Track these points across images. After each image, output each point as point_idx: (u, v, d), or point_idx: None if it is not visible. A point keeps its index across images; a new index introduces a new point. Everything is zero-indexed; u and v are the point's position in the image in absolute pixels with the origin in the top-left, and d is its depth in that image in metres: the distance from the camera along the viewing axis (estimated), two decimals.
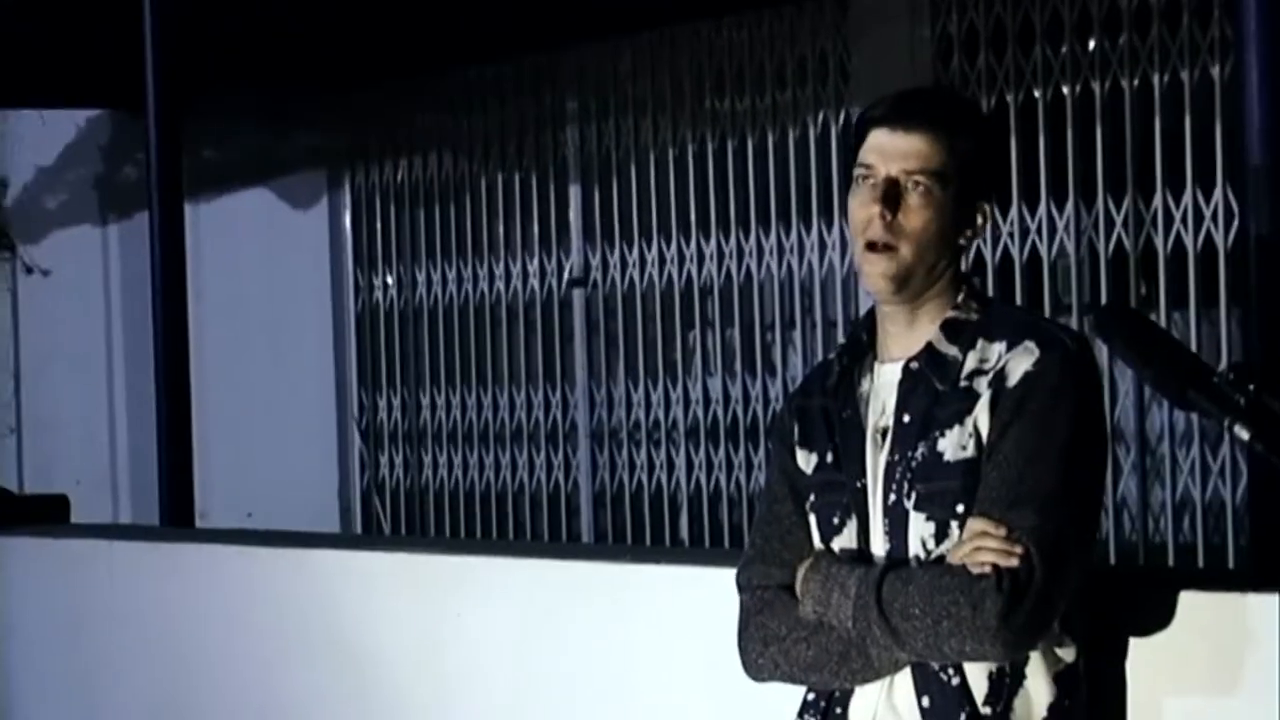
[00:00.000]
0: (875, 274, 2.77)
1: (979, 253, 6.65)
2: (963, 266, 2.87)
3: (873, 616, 2.71)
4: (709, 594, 3.49)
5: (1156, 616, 2.90)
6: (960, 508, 2.73)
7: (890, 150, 2.77)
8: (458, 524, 8.49)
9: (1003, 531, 2.67)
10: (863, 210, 2.77)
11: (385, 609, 4.35)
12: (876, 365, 2.86)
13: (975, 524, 2.69)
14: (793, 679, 2.85)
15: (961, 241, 2.81)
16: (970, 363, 2.77)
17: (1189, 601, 2.89)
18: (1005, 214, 6.65)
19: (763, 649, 2.83)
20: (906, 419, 2.79)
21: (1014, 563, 2.65)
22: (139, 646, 5.05)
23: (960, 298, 2.82)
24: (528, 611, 4.05)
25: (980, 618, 2.65)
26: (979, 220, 2.84)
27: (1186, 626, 2.89)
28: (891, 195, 2.76)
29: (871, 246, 2.76)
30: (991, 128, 2.94)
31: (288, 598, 4.61)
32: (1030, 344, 2.74)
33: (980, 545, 2.67)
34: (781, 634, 2.81)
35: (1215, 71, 6.19)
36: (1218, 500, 6.30)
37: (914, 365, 2.81)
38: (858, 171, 2.80)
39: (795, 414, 2.91)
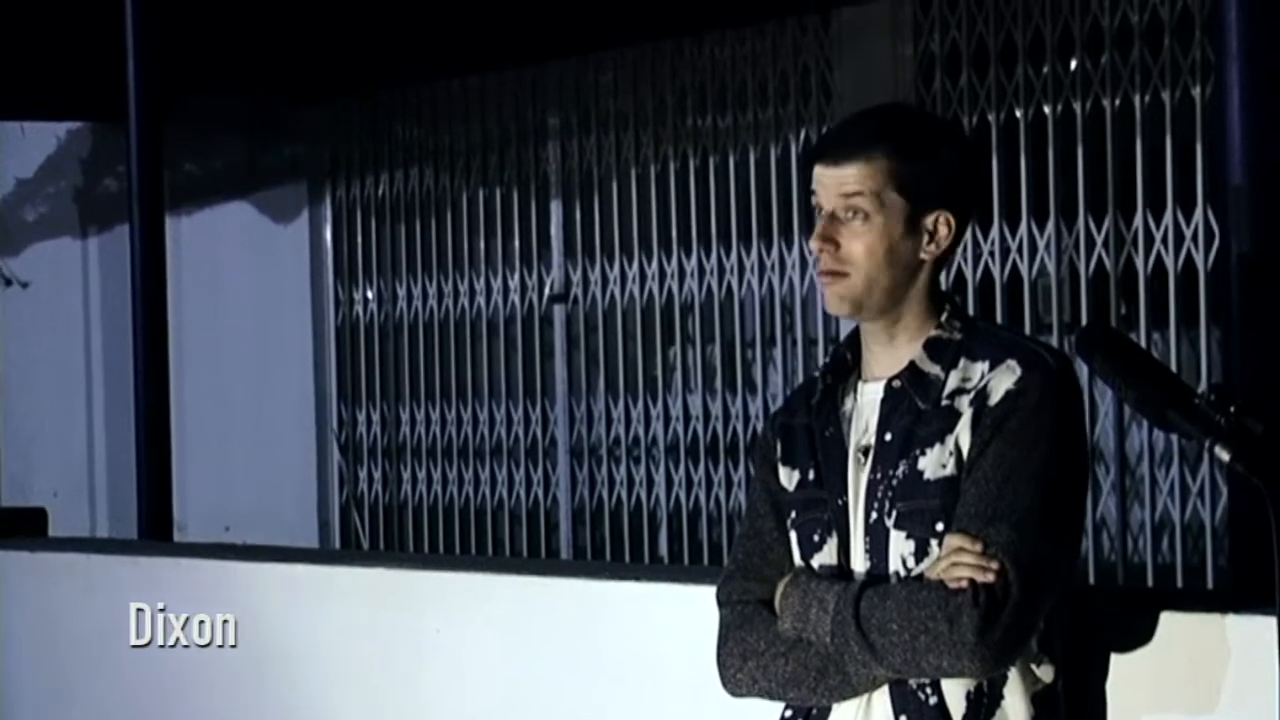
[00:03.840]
0: (830, 295, 2.84)
1: (959, 272, 6.67)
2: (943, 283, 2.88)
3: (850, 632, 2.72)
4: (689, 611, 3.49)
5: (1136, 637, 2.90)
6: (940, 526, 2.73)
7: (826, 183, 2.83)
8: (436, 539, 8.47)
9: (979, 547, 2.67)
10: (814, 243, 2.84)
11: (364, 624, 4.34)
12: (860, 384, 2.87)
13: (952, 540, 2.70)
14: (771, 695, 2.85)
15: (923, 256, 2.82)
16: (952, 382, 2.78)
17: (1168, 622, 2.89)
18: (986, 233, 6.67)
19: (741, 664, 2.84)
20: (888, 437, 2.80)
21: (990, 578, 2.66)
22: (116, 661, 5.03)
23: (943, 317, 2.83)
24: (507, 628, 4.05)
25: (957, 633, 2.65)
26: (942, 231, 2.82)
27: (1166, 647, 2.89)
28: (833, 228, 2.80)
29: (825, 274, 2.83)
30: (939, 137, 2.86)
31: (265, 612, 4.60)
32: (1012, 363, 2.75)
33: (957, 561, 2.68)
34: (760, 649, 2.81)
35: (1196, 92, 6.21)
36: (1197, 521, 6.31)
37: (896, 384, 2.82)
38: (814, 204, 2.87)
39: (778, 431, 2.92)
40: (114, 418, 8.95)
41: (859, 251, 2.79)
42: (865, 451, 2.82)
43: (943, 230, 2.82)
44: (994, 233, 6.66)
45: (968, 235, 6.64)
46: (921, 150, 2.82)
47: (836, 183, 2.81)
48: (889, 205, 2.79)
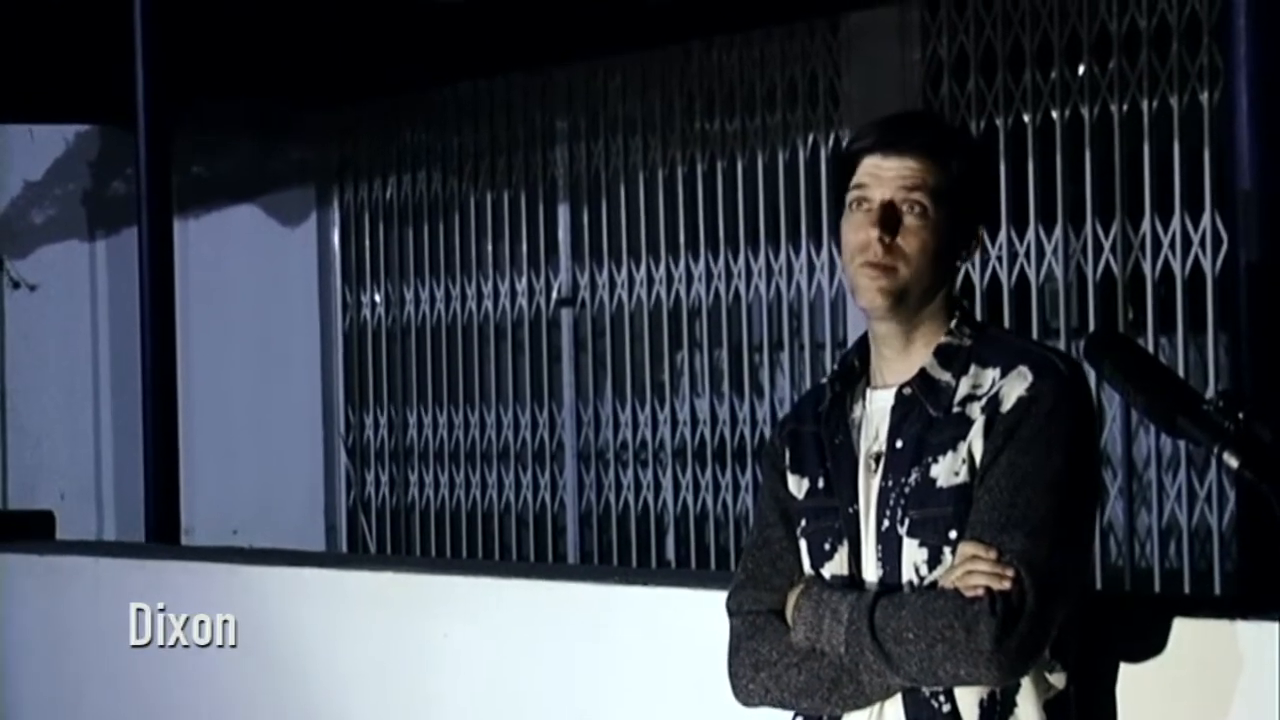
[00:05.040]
0: (873, 288, 2.77)
1: (967, 276, 6.66)
2: (954, 290, 2.88)
3: (865, 642, 2.71)
4: (696, 616, 3.49)
5: (1147, 643, 2.90)
6: (953, 534, 2.72)
7: (885, 174, 2.78)
8: (444, 543, 8.47)
9: (994, 555, 2.67)
10: (859, 234, 2.78)
11: (371, 628, 4.34)
12: (869, 391, 2.86)
13: (966, 548, 2.69)
14: (783, 705, 2.84)
15: (956, 264, 2.83)
16: (964, 388, 2.77)
17: (1177, 627, 2.88)
18: (994, 238, 6.66)
19: (753, 674, 2.83)
20: (899, 445, 2.79)
21: (1007, 586, 2.65)
22: (123, 664, 5.03)
23: (954, 323, 2.82)
24: (514, 632, 4.04)
25: (974, 641, 2.64)
26: (973, 243, 2.86)
27: (1174, 652, 2.88)
28: (889, 219, 2.77)
29: (871, 265, 2.77)
30: (981, 151, 2.96)
31: (272, 616, 4.60)
32: (1024, 369, 2.75)
33: (972, 569, 2.67)
34: (772, 659, 2.80)
35: (1204, 97, 6.21)
36: (1204, 526, 6.30)
37: (907, 391, 2.81)
38: (852, 196, 2.81)
39: (787, 439, 2.91)
40: (121, 421, 8.95)
41: (915, 246, 2.77)
42: (876, 459, 2.81)
43: (975, 242, 2.86)
44: (1002, 238, 6.66)
45: None
46: (976, 165, 2.85)
47: (898, 174, 2.77)
48: (944, 208, 2.78)
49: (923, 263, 2.77)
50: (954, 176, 2.79)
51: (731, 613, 2.89)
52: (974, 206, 2.83)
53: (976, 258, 6.64)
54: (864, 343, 2.89)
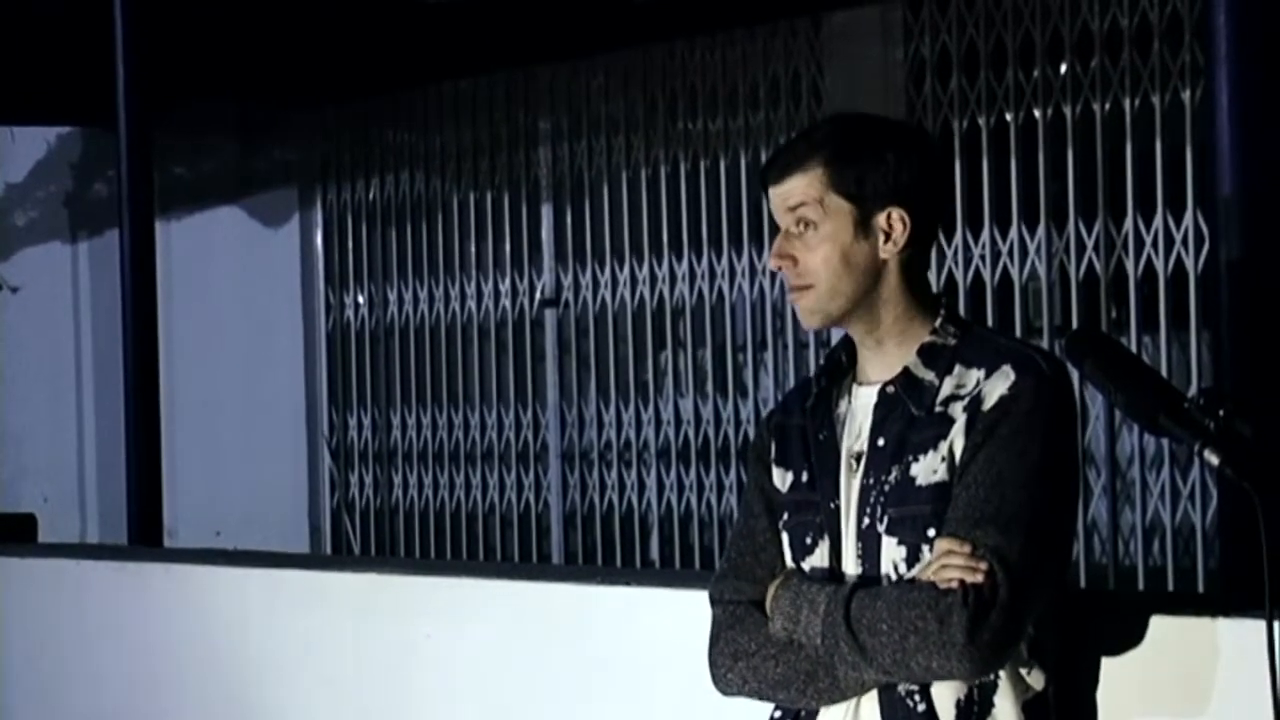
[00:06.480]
0: (800, 313, 2.87)
1: (950, 275, 6.68)
2: (934, 286, 2.88)
3: (840, 633, 2.72)
4: (679, 616, 3.49)
5: (1126, 641, 2.90)
6: (931, 532, 2.74)
7: (775, 203, 2.86)
8: (428, 544, 8.47)
9: (968, 549, 2.68)
10: (773, 263, 2.88)
11: (355, 630, 4.33)
12: (855, 387, 2.88)
13: (942, 543, 2.71)
14: (760, 695, 2.86)
15: (883, 256, 2.82)
16: (946, 388, 2.79)
17: (1159, 626, 2.89)
18: (976, 232, 6.68)
19: (732, 664, 2.85)
20: (881, 443, 2.80)
21: (979, 579, 2.66)
22: (107, 667, 5.03)
23: (939, 322, 2.83)
24: (498, 633, 4.04)
25: (946, 633, 2.66)
26: (897, 229, 2.82)
27: (1156, 651, 2.89)
28: (788, 244, 2.84)
29: (793, 291, 2.86)
30: (882, 137, 2.86)
31: (256, 618, 4.59)
32: (1007, 368, 2.76)
33: (946, 563, 2.69)
34: (751, 650, 2.82)
35: (1186, 96, 6.22)
36: (1188, 524, 6.31)
37: (890, 389, 2.82)
38: None
39: (773, 431, 2.94)
40: (104, 423, 8.94)
41: (815, 262, 2.82)
42: (858, 457, 2.82)
43: (898, 228, 2.82)
44: (984, 236, 6.67)
45: (958, 238, 6.69)
46: (859, 153, 2.83)
47: (782, 199, 2.85)
48: (833, 210, 2.82)
49: (829, 273, 2.81)
50: (840, 176, 2.81)
51: (714, 602, 2.91)
52: (879, 194, 2.81)
53: (960, 256, 6.68)
54: (850, 339, 2.91)
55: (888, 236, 2.82)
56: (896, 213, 2.82)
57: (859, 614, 2.71)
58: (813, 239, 2.81)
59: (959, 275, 6.68)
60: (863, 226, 2.81)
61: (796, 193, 2.82)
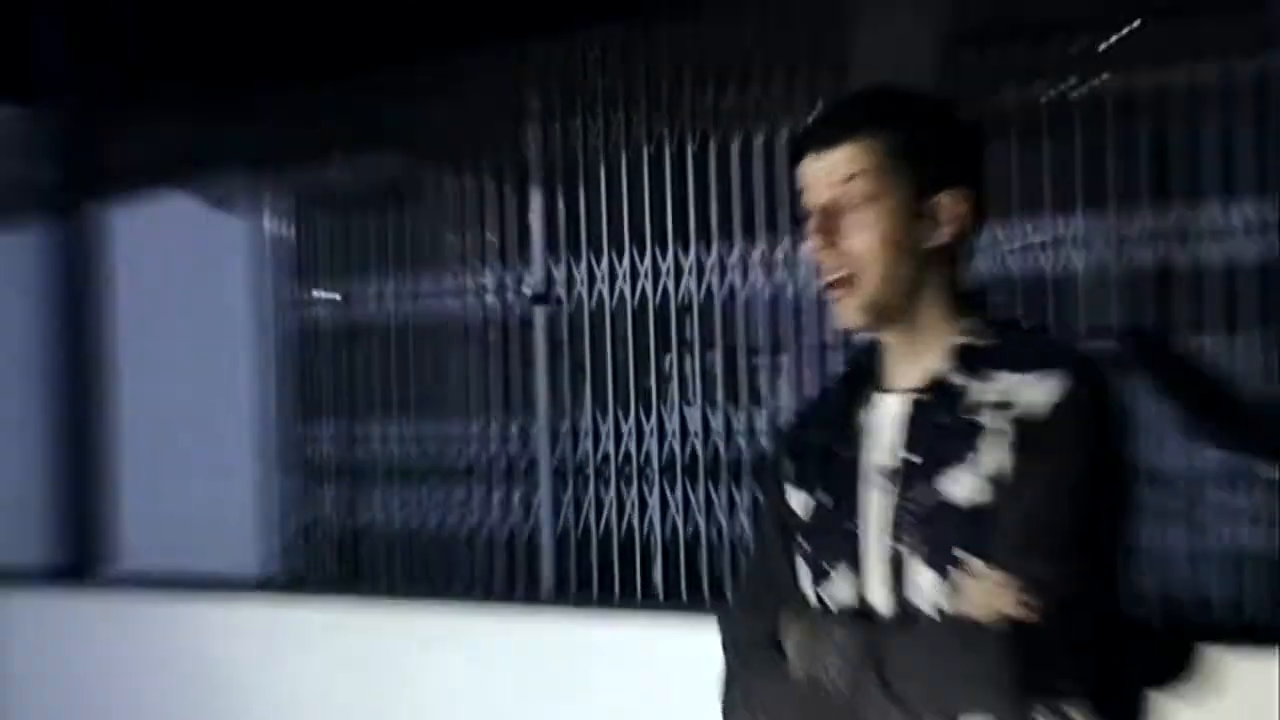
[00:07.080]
0: (844, 310, 2.81)
1: (995, 269, 6.71)
2: (960, 279, 2.90)
3: (868, 678, 2.76)
4: (685, 650, 3.53)
5: (1178, 674, 2.94)
6: (964, 554, 2.76)
7: (816, 176, 2.81)
8: (406, 569, 8.49)
9: (1011, 580, 2.70)
10: (811, 243, 2.82)
11: (323, 665, 4.37)
12: (879, 396, 2.89)
13: (983, 571, 2.73)
14: None
15: (935, 243, 2.83)
16: (982, 395, 2.80)
17: (1217, 657, 2.92)
18: (1036, 218, 6.71)
19: (749, 716, 2.87)
20: (909, 457, 2.83)
21: (1023, 613, 2.69)
22: (53, 700, 5.07)
23: (974, 322, 2.84)
24: (483, 667, 4.08)
25: (986, 669, 2.68)
26: (957, 211, 2.84)
27: (1211, 685, 2.92)
28: (830, 222, 2.77)
29: (832, 287, 2.77)
30: (932, 111, 2.87)
31: (213, 652, 4.63)
32: (1048, 375, 2.78)
33: (986, 593, 2.71)
34: (766, 700, 2.85)
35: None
36: (1249, 548, 6.34)
37: (920, 398, 2.84)
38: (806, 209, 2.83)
39: (788, 448, 2.95)
40: (28, 437, 8.96)
41: (867, 243, 2.78)
42: (884, 473, 2.84)
43: (958, 210, 2.81)
44: (1025, 226, 6.70)
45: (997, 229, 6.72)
46: (917, 123, 2.80)
47: (827, 171, 2.79)
48: (890, 185, 2.78)
49: (885, 255, 2.78)
50: (897, 150, 2.77)
51: (725, 646, 2.93)
52: (934, 174, 2.80)
53: (997, 249, 6.71)
54: (874, 342, 2.92)
55: (943, 221, 2.80)
56: (959, 194, 2.80)
57: (888, 656, 2.75)
58: (864, 218, 2.76)
59: (999, 268, 6.71)
60: (917, 207, 2.77)
61: (848, 163, 2.74)
